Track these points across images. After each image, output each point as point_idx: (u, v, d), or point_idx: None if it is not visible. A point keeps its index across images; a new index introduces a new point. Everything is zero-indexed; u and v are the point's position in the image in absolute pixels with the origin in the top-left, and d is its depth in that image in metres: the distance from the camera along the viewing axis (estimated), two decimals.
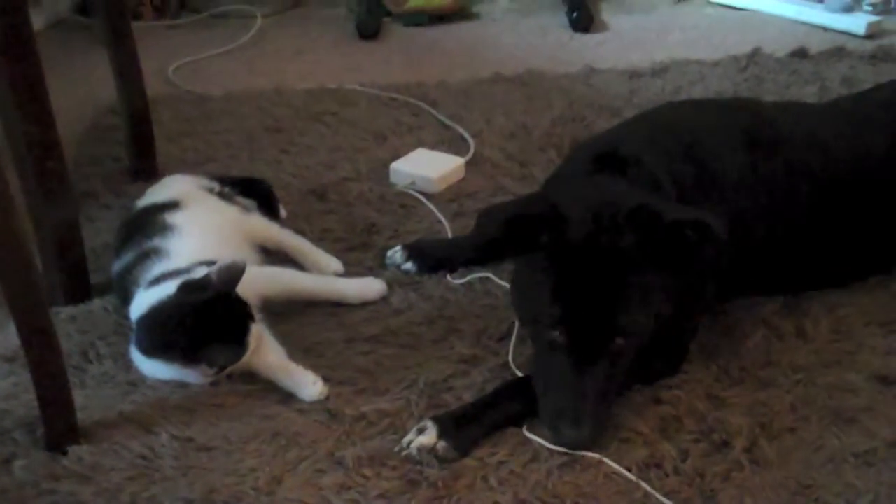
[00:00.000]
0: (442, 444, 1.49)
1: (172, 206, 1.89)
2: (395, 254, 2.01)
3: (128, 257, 1.80)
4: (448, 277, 1.95)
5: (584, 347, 1.47)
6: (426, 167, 2.34)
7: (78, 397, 1.58)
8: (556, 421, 1.47)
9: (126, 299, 1.75)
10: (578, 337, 1.47)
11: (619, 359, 1.49)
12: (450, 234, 2.11)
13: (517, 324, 1.72)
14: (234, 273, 1.62)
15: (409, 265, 1.98)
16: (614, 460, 1.48)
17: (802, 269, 1.83)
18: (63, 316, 1.83)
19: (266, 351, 1.67)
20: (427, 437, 1.50)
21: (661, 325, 1.52)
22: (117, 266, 1.83)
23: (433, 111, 2.72)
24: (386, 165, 2.38)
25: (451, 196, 2.28)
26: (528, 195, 1.68)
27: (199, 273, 1.66)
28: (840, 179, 1.81)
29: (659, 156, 1.66)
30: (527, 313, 1.57)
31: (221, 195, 2.01)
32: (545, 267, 1.49)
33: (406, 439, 1.52)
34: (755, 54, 3.09)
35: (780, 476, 1.46)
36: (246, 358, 1.63)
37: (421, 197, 2.26)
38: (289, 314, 1.83)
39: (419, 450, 1.49)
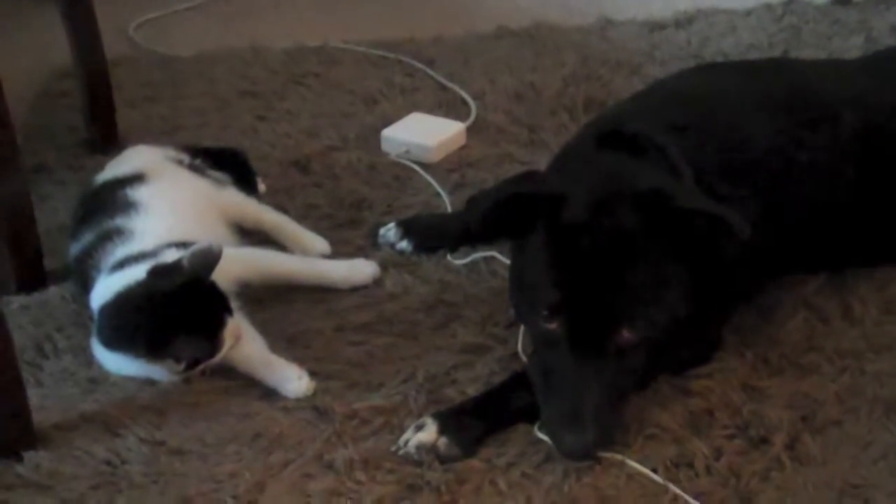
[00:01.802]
0: (443, 441, 1.50)
1: (136, 180, 1.88)
2: (389, 231, 2.01)
3: (87, 239, 1.80)
4: (448, 257, 1.95)
5: (586, 340, 1.46)
6: (422, 134, 2.33)
7: (33, 397, 1.58)
8: (555, 426, 1.47)
9: (86, 286, 1.75)
10: (578, 327, 1.46)
11: (630, 356, 1.48)
12: (450, 209, 2.11)
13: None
14: (209, 258, 1.61)
15: (404, 244, 1.98)
16: (638, 460, 1.48)
17: (848, 243, 1.83)
18: (15, 306, 1.83)
19: (245, 342, 1.67)
20: (426, 433, 1.51)
21: (680, 323, 1.52)
22: (75, 249, 1.82)
23: (429, 71, 2.71)
24: (377, 132, 2.37)
25: (450, 166, 2.28)
26: (519, 174, 1.69)
27: (168, 256, 1.66)
28: (892, 145, 1.80)
29: (674, 135, 1.65)
30: (522, 303, 1.57)
31: (191, 168, 2.01)
32: (540, 251, 1.50)
33: (403, 438, 1.52)
34: (791, 2, 3.07)
35: (825, 475, 1.46)
36: (221, 355, 1.63)
37: (417, 167, 2.26)
38: (270, 300, 1.83)
39: (418, 448, 1.50)
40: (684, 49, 2.80)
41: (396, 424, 1.57)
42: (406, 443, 1.51)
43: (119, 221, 1.79)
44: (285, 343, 1.73)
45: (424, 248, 1.97)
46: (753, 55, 2.73)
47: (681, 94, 1.84)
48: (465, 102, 2.55)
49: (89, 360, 1.71)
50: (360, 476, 1.48)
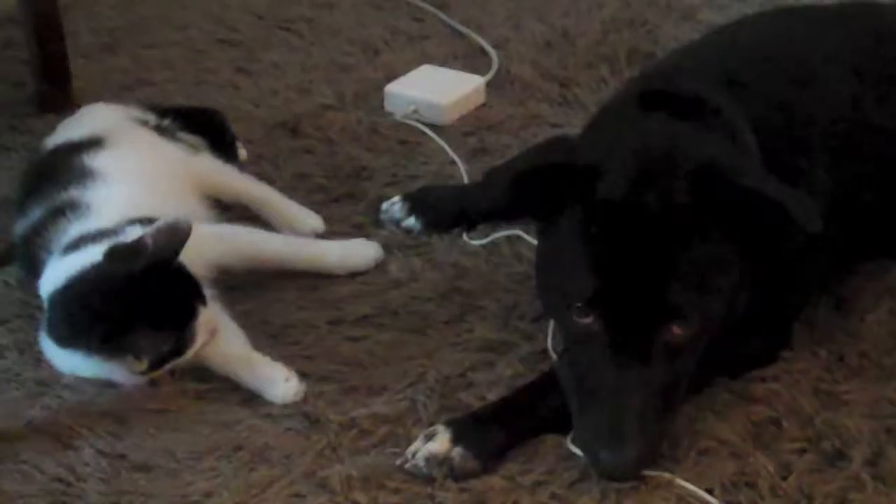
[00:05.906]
0: (458, 452, 1.50)
1: (93, 145, 1.89)
2: (393, 206, 2.01)
3: (35, 215, 1.80)
4: (464, 237, 1.96)
5: (628, 337, 1.46)
6: (433, 90, 2.34)
7: None
8: (591, 439, 1.47)
9: (34, 270, 1.75)
10: (619, 322, 1.46)
11: (680, 356, 1.48)
12: (466, 179, 2.12)
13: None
14: (176, 236, 1.61)
15: (411, 221, 1.99)
16: (691, 479, 1.48)
17: None
18: None
19: (222, 337, 1.67)
20: (438, 443, 1.51)
21: (739, 317, 1.52)
22: (22, 226, 1.83)
23: (442, 14, 2.72)
24: (379, 89, 2.38)
25: (467, 128, 2.28)
26: (548, 140, 1.69)
27: (131, 234, 1.66)
28: None
29: (734, 94, 1.64)
30: (552, 294, 1.57)
31: (159, 130, 2.01)
32: (573, 233, 1.49)
33: (411, 448, 1.52)
34: None
35: None
36: (192, 352, 1.64)
37: (427, 130, 2.27)
38: (252, 288, 1.84)
39: (427, 461, 1.50)
40: None
41: (402, 435, 1.57)
42: (414, 454, 1.51)
43: (73, 194, 1.79)
44: (270, 339, 1.73)
45: (436, 227, 1.98)
46: None
47: (743, 44, 1.83)
48: (484, 52, 2.55)
49: (38, 359, 1.71)
50: (359, 496, 1.48)
